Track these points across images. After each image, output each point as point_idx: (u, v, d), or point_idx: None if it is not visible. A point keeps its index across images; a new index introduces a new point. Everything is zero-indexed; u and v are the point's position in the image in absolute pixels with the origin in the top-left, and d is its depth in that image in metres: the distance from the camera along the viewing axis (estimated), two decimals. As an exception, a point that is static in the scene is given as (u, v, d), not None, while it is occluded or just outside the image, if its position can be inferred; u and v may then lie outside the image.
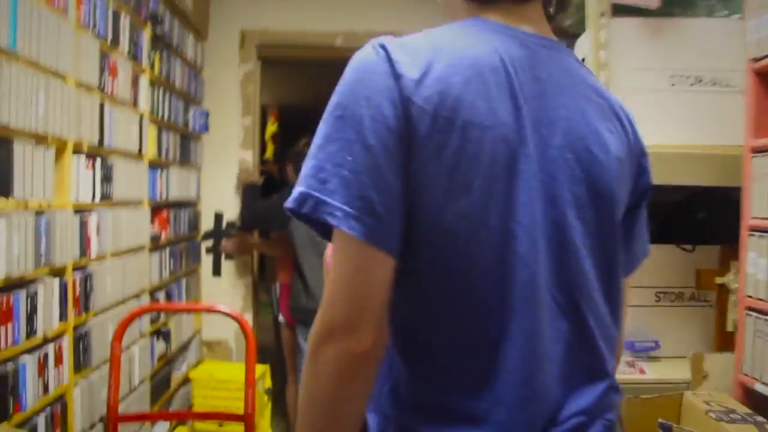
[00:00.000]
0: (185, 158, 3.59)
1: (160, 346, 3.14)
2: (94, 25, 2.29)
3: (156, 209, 3.13)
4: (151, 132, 2.94)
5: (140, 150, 2.79)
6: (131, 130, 2.67)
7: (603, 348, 0.80)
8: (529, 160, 0.73)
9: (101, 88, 2.36)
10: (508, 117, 0.73)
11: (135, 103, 2.74)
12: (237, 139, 4.02)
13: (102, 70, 2.36)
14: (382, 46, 0.73)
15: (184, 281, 3.57)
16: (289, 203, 0.71)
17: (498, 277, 0.73)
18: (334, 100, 0.73)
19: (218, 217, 4.03)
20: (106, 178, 2.44)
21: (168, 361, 3.40)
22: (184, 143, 3.60)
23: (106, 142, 2.40)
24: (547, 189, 0.75)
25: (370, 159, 0.68)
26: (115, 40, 2.49)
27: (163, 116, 3.13)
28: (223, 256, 4.04)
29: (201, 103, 3.95)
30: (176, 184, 3.38)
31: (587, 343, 0.78)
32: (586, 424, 0.77)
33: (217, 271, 4.05)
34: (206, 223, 4.02)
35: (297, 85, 7.02)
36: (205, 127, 3.89)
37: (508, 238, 0.72)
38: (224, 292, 3.98)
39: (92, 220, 2.32)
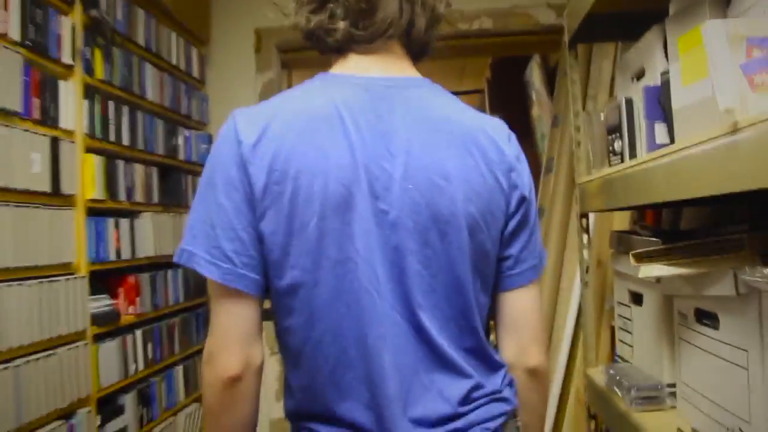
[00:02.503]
0: (174, 199, 2.65)
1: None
2: None
3: (111, 274, 2.18)
4: (89, 163, 2.01)
5: (58, 189, 1.84)
6: (27, 158, 1.73)
7: (458, 357, 0.87)
8: (364, 195, 0.82)
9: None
10: (342, 159, 0.81)
11: (43, 120, 1.81)
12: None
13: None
14: (233, 116, 0.85)
15: (180, 368, 2.59)
16: (174, 258, 0.84)
17: (344, 302, 0.82)
18: (205, 167, 0.86)
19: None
20: (-33, 237, 1.50)
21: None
22: (174, 179, 2.66)
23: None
24: (387, 219, 0.83)
25: (222, 215, 0.82)
26: (-22, 16, 1.58)
27: (119, 141, 2.20)
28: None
29: (205, 126, 3.03)
30: (156, 235, 2.42)
31: (437, 353, 0.85)
32: (460, 430, 0.85)
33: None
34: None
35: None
36: (209, 157, 2.94)
37: (350, 267, 0.81)
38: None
39: None
